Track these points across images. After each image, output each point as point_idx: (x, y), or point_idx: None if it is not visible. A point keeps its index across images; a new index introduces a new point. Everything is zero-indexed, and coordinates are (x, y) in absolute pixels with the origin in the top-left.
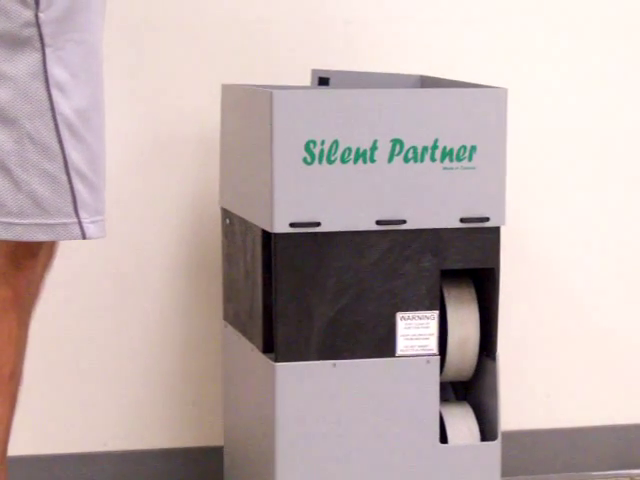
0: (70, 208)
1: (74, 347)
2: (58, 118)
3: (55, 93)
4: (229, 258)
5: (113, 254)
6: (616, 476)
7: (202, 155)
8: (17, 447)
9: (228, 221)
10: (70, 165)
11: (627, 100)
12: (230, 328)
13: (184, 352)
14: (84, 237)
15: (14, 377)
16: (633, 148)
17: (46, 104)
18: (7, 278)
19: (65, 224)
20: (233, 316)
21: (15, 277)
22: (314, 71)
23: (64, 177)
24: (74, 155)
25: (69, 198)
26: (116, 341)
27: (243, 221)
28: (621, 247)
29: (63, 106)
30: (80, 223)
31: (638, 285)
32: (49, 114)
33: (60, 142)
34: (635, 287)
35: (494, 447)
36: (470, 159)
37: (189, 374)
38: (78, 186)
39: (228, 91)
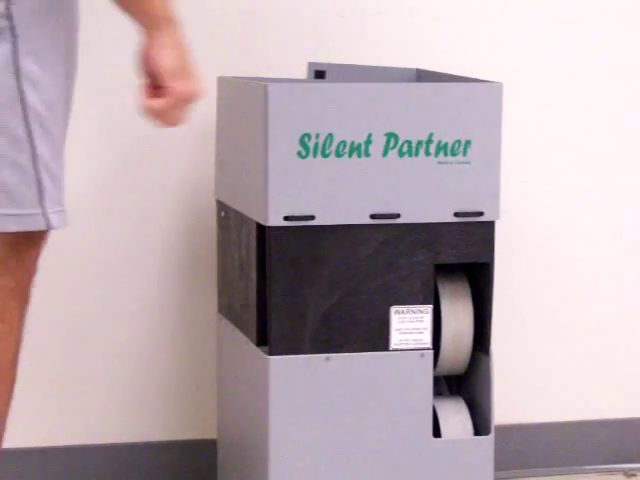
0: (36, 199)
1: (68, 340)
2: (27, 110)
3: (25, 84)
4: (224, 251)
5: (107, 246)
6: (609, 470)
7: (197, 147)
8: (12, 440)
9: (223, 214)
10: (38, 156)
11: (623, 94)
12: (224, 321)
13: (178, 345)
14: (48, 227)
15: (15, 365)
16: (629, 142)
17: (16, 95)
18: (9, 268)
19: (32, 214)
20: (227, 309)
21: (17, 267)
22: (310, 64)
23: (31, 168)
24: (41, 147)
25: (35, 189)
26: (110, 334)
27: (238, 214)
28: (616, 242)
29: (33, 98)
30: (44, 213)
31: (632, 279)
32: (19, 105)
33: (29, 134)
34: (629, 281)
35: (487, 441)
36: (465, 153)
37: (183, 367)
38: (44, 177)
39: (223, 84)
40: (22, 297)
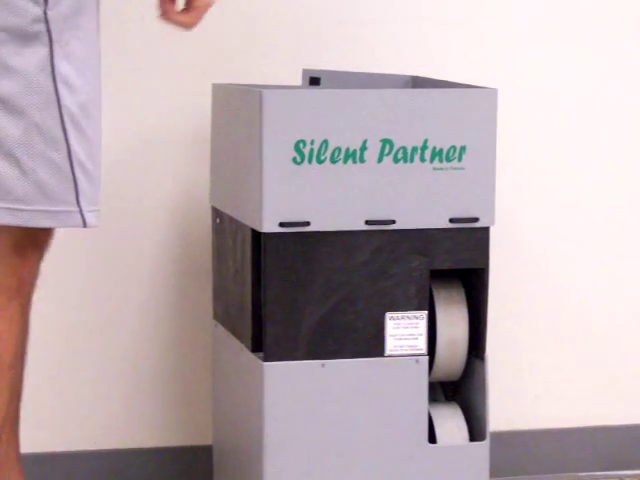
0: (72, 197)
1: (63, 345)
2: (63, 110)
3: (61, 87)
4: (219, 257)
5: (103, 253)
6: (606, 477)
7: (193, 154)
8: None
9: (218, 220)
10: (73, 156)
11: (617, 100)
12: (220, 327)
13: (174, 351)
14: (84, 225)
15: (14, 366)
16: (624, 147)
17: (53, 97)
18: (12, 267)
19: (68, 212)
20: (223, 315)
21: (21, 267)
22: (305, 71)
23: (67, 167)
24: (76, 146)
25: (72, 187)
26: (106, 339)
27: (233, 220)
28: (612, 248)
29: (68, 99)
30: (81, 212)
31: (629, 285)
32: (55, 106)
33: (65, 133)
34: (626, 287)
35: (482, 447)
36: (460, 159)
37: (179, 373)
38: (79, 176)
39: (219, 90)
40: (24, 298)
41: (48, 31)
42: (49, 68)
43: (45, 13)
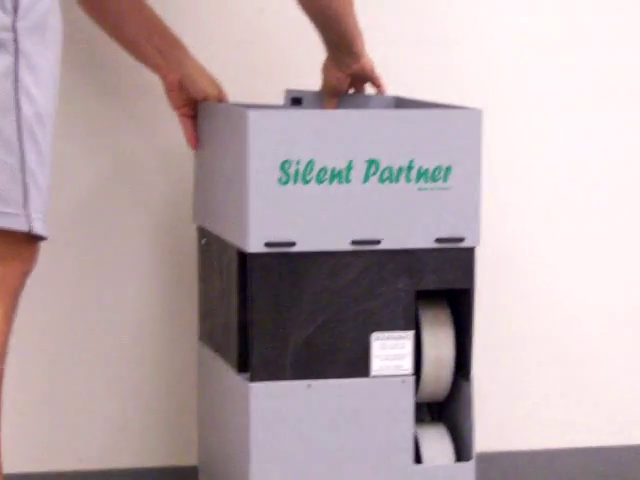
0: (21, 201)
1: (47, 364)
2: (21, 118)
3: (22, 95)
4: (205, 277)
5: (88, 272)
6: None
7: (177, 173)
8: None
9: (204, 241)
10: (26, 163)
11: (603, 120)
12: (206, 348)
13: (159, 371)
14: (30, 230)
15: None
16: (609, 167)
17: (12, 104)
18: None
19: (16, 214)
20: (208, 335)
21: (1, 272)
22: (288, 91)
23: (19, 172)
24: (29, 155)
25: (21, 192)
26: (91, 359)
27: (219, 240)
28: (598, 268)
29: (27, 109)
30: (28, 217)
31: (616, 306)
32: (14, 113)
33: (20, 140)
34: (613, 308)
35: (468, 468)
36: (445, 180)
37: (164, 394)
38: (30, 184)
39: (204, 108)
40: (7, 295)
41: (15, 41)
42: (13, 76)
43: (14, 23)
